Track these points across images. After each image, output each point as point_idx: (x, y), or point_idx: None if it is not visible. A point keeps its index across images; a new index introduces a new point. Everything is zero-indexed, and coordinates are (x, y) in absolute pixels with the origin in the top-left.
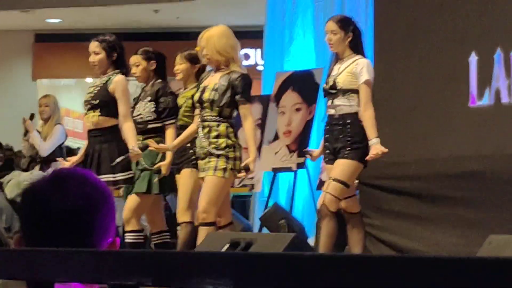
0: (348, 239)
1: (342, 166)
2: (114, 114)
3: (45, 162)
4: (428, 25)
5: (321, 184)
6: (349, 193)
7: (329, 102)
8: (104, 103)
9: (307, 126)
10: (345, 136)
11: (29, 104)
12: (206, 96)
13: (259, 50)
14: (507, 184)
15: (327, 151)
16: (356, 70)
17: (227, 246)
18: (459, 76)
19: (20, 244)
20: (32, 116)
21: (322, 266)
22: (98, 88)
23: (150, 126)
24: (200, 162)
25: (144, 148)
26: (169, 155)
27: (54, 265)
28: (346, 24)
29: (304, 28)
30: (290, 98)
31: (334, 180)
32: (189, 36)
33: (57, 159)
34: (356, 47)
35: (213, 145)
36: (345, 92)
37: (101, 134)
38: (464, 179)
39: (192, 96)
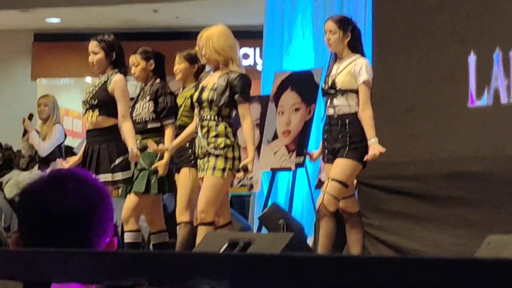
0: (347, 239)
1: (341, 166)
2: (113, 114)
3: (44, 162)
4: (427, 25)
5: (320, 183)
6: (348, 193)
7: (328, 102)
8: (103, 103)
9: (306, 126)
10: (344, 136)
11: (28, 103)
12: (205, 96)
13: (258, 50)
14: (506, 185)
15: (326, 151)
16: (355, 70)
17: (225, 246)
18: (458, 76)
19: (18, 244)
20: (31, 116)
21: (319, 267)
22: (97, 88)
23: (149, 126)
24: (199, 161)
25: (143, 148)
26: (166, 155)
27: (51, 265)
28: (345, 23)
29: (303, 28)
30: (289, 98)
31: (333, 180)
32: (188, 36)
33: (57, 159)
34: (355, 47)
35: (212, 145)
36: (344, 92)
37: (100, 134)
38: (463, 179)
39: (191, 96)
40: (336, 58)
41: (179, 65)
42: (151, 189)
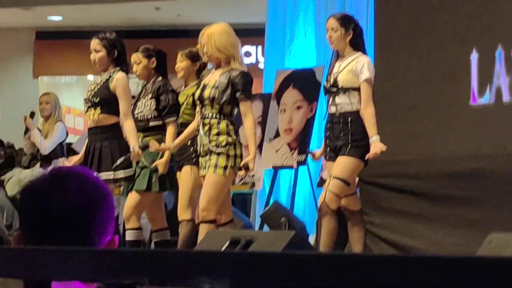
0: (349, 237)
1: (343, 164)
2: (115, 112)
3: (46, 160)
4: (428, 24)
5: (322, 181)
6: (349, 191)
7: (330, 100)
8: (105, 101)
9: (308, 124)
10: (346, 134)
11: (30, 101)
12: (206, 93)
13: (260, 48)
14: (508, 183)
15: (328, 149)
16: (357, 68)
17: (227, 244)
18: (460, 75)
19: (19, 242)
20: (32, 114)
21: (321, 265)
22: (99, 86)
23: (151, 123)
24: (200, 159)
25: (144, 147)
26: (166, 153)
27: (52, 263)
28: (347, 21)
29: (305, 26)
30: (291, 96)
31: (335, 177)
32: (190, 34)
33: (59, 158)
34: (357, 45)
35: (214, 143)
36: (346, 90)
37: (102, 132)
38: (465, 178)
39: (193, 94)
40: (338, 56)
41: (181, 63)
42: (153, 187)
